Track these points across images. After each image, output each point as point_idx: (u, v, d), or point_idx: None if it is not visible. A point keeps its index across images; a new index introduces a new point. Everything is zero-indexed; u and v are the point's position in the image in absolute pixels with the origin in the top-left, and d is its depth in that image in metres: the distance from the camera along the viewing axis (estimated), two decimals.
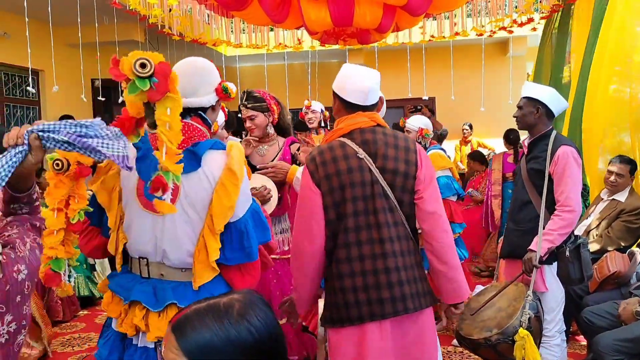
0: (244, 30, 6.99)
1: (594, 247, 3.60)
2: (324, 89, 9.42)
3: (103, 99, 5.73)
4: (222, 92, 1.96)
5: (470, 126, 8.94)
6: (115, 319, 1.89)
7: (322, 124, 4.98)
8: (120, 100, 6.40)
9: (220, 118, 3.14)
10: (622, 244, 3.63)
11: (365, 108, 2.10)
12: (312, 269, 2.05)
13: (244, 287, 1.83)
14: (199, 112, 1.93)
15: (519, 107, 3.05)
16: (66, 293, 1.82)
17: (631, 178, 3.77)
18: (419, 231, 2.13)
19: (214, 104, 1.97)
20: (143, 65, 1.60)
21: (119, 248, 1.90)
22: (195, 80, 1.94)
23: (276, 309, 3.30)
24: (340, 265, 1.99)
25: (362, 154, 2.01)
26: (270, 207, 2.91)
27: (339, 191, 1.99)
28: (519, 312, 2.51)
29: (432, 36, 6.22)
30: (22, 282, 1.35)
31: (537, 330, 2.57)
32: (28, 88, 5.70)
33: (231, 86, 1.99)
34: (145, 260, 1.87)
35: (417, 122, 4.42)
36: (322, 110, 5.01)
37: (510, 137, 6.28)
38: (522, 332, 2.43)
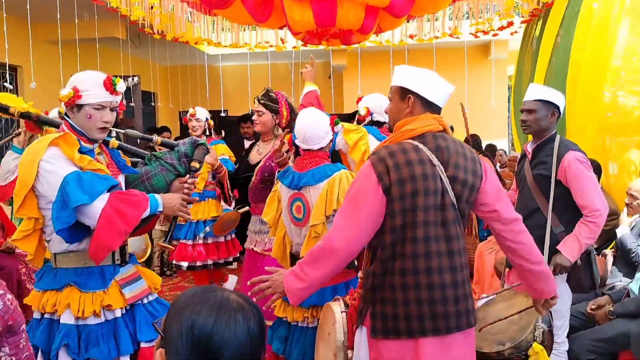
0: (227, 29, 6.96)
1: None
2: None
3: None
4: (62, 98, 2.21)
5: (452, 128, 9.01)
6: None
7: (207, 132, 4.89)
8: None
9: None
10: (594, 246, 3.68)
11: (439, 111, 2.03)
12: (334, 270, 1.94)
13: (92, 248, 2.08)
14: (65, 117, 2.26)
15: (530, 111, 2.91)
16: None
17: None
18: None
19: (67, 109, 2.24)
20: None
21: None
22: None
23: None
24: (404, 277, 1.88)
25: (436, 161, 1.90)
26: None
27: (411, 198, 1.85)
28: (532, 325, 2.45)
29: (411, 36, 6.24)
30: None
31: (549, 343, 2.54)
32: (5, 84, 5.61)
33: (63, 92, 2.20)
34: None
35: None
36: (206, 119, 4.86)
37: (474, 143, 6.37)
38: (537, 346, 2.37)
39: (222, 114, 7.54)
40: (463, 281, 1.94)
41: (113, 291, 2.21)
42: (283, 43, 6.47)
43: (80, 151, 2.16)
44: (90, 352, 2.13)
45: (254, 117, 3.42)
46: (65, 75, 6.21)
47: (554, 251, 2.78)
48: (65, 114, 2.26)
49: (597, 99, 4.38)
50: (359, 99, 3.70)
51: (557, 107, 2.90)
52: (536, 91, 2.94)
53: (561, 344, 2.87)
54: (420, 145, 1.92)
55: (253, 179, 3.39)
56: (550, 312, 2.65)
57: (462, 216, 1.96)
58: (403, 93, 2.01)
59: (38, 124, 2.56)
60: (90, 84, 2.19)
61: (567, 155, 2.80)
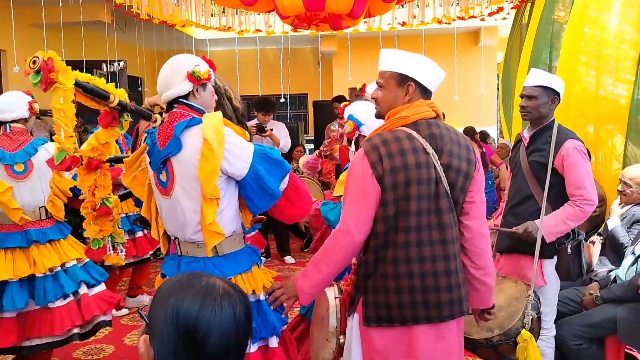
0: (213, 14, 6.87)
1: None
2: (296, 74, 9.40)
3: None
4: (192, 77, 2.10)
5: (443, 115, 9.00)
6: None
7: None
8: None
9: None
10: (583, 233, 3.71)
11: (431, 97, 2.02)
12: (347, 264, 1.94)
13: (296, 214, 2.22)
14: (181, 100, 2.13)
15: (531, 97, 2.84)
16: (117, 261, 2.27)
17: None
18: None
19: (192, 90, 2.13)
20: (34, 62, 1.98)
21: (160, 234, 2.24)
22: (165, 75, 2.14)
23: None
24: (397, 266, 1.88)
25: (430, 149, 1.89)
26: None
27: (404, 187, 1.85)
28: (521, 312, 2.46)
29: (403, 23, 6.21)
30: None
31: (537, 330, 2.55)
32: None
33: (200, 69, 2.11)
34: (177, 239, 2.17)
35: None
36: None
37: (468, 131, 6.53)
38: (525, 334, 2.38)
39: None
40: (456, 269, 1.94)
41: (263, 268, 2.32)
42: (271, 28, 6.39)
43: None
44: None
45: None
46: None
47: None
48: (184, 97, 2.13)
49: (585, 86, 4.38)
50: (342, 109, 3.29)
51: (558, 94, 2.86)
52: (537, 76, 2.88)
53: (549, 329, 2.89)
54: (414, 133, 1.91)
55: None
56: (539, 299, 2.66)
57: (456, 204, 1.95)
58: (402, 80, 1.97)
59: (121, 114, 2.41)
60: (202, 63, 2.16)
61: (567, 143, 2.77)
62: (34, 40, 6.54)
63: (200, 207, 2.04)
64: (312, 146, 9.53)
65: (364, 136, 2.83)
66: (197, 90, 2.14)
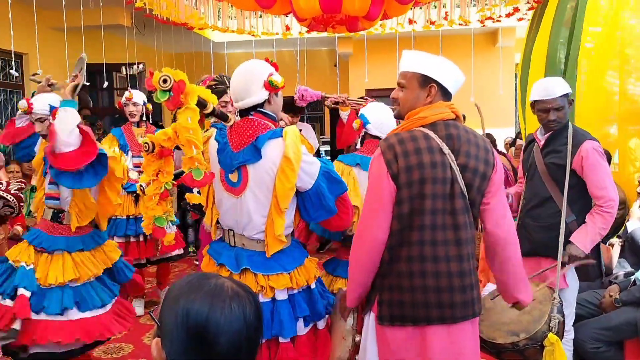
0: (232, 16, 6.93)
1: None
2: (312, 76, 9.41)
3: (88, 84, 5.63)
4: (270, 86, 2.23)
5: (464, 117, 8.91)
6: None
7: (144, 117, 4.56)
8: (105, 85, 6.24)
9: None
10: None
11: (450, 98, 2.03)
12: (372, 263, 1.95)
13: (340, 225, 2.33)
14: (258, 108, 2.24)
15: (559, 108, 2.85)
16: (170, 240, 2.44)
17: None
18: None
19: (268, 98, 2.25)
20: (165, 81, 2.04)
21: (213, 221, 2.40)
22: (242, 84, 2.24)
23: None
24: (411, 264, 1.89)
25: (446, 149, 1.90)
26: None
27: (418, 185, 1.86)
28: (546, 316, 2.45)
29: (411, 21, 6.19)
30: None
31: (561, 333, 2.54)
32: (11, 72, 5.61)
33: (277, 78, 2.23)
34: (231, 231, 2.29)
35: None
36: (144, 103, 4.53)
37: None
38: (553, 337, 2.37)
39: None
40: (470, 270, 1.94)
41: None
42: (288, 30, 6.42)
43: None
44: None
45: (231, 110, 3.05)
46: (70, 63, 6.22)
47: (567, 240, 2.76)
48: (260, 104, 2.23)
49: (605, 86, 4.33)
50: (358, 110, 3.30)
51: (568, 95, 2.88)
52: (557, 86, 2.87)
53: (568, 332, 2.87)
54: (431, 133, 1.92)
55: None
56: (561, 302, 2.65)
57: (473, 205, 1.95)
58: (424, 81, 1.99)
59: (208, 116, 2.46)
60: (273, 70, 2.29)
61: (585, 144, 2.77)
62: (56, 43, 6.65)
63: (267, 211, 2.19)
64: (328, 147, 9.53)
65: (370, 134, 2.91)
66: (271, 98, 2.26)
